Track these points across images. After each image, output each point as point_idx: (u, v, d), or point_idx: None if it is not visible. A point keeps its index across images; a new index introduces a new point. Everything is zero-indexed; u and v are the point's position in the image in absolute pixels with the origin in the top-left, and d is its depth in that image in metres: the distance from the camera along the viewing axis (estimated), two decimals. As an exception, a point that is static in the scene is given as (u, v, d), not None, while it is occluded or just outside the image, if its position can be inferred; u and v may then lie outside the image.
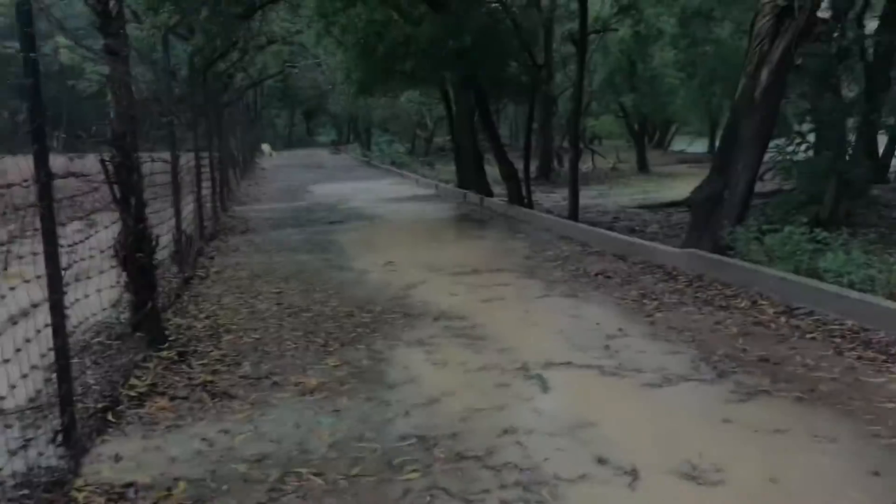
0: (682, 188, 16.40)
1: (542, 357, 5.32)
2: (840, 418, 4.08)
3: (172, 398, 4.71)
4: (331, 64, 25.15)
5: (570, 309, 6.81)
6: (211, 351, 5.70)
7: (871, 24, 15.28)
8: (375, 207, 16.29)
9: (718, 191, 8.67)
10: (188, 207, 9.59)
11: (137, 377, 4.97)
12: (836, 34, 12.00)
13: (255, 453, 3.90)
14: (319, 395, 4.76)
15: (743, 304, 6.59)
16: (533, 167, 19.54)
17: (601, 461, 3.65)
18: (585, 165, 27.55)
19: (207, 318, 6.74)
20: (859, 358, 5.03)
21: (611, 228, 12.10)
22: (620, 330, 6.00)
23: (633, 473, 3.52)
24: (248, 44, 19.40)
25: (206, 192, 11.56)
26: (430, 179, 22.54)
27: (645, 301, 6.95)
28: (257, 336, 6.14)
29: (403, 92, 23.77)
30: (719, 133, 18.42)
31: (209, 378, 5.07)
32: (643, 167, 27.86)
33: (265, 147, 39.27)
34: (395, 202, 17.49)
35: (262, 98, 42.38)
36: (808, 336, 5.60)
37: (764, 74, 8.46)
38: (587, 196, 18.41)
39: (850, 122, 12.78)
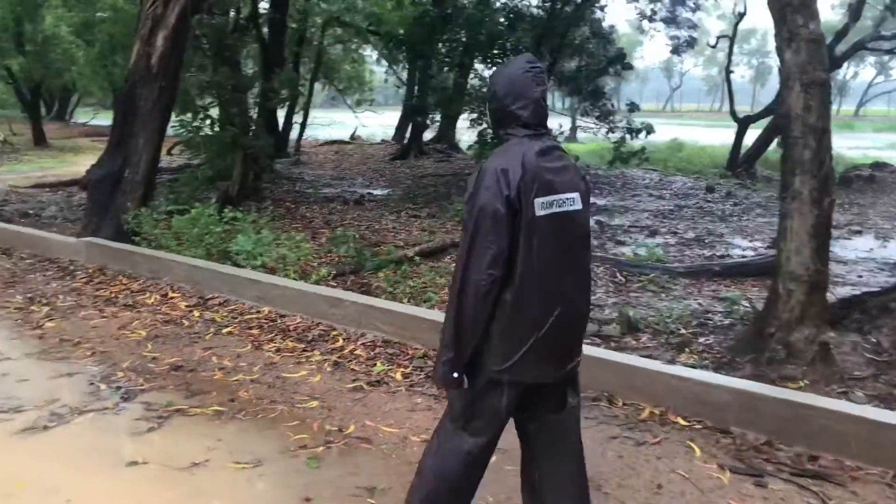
0: (85, 164, 14.71)
1: None
2: (264, 431, 3.58)
3: None
4: None
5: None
6: None
7: (266, 3, 15.83)
8: None
9: (118, 168, 7.63)
10: None
11: None
12: (231, 9, 11.90)
13: None
14: None
15: (152, 300, 5.77)
16: None
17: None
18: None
19: None
20: (278, 350, 4.68)
21: (-6, 215, 10.01)
22: (-2, 353, 4.63)
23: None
24: None
25: None
26: None
27: (34, 308, 5.62)
28: None
29: None
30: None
31: None
32: (41, 140, 24.79)
33: None
34: None
35: None
36: (225, 331, 5.07)
37: (160, 40, 7.68)
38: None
39: (252, 97, 12.97)
